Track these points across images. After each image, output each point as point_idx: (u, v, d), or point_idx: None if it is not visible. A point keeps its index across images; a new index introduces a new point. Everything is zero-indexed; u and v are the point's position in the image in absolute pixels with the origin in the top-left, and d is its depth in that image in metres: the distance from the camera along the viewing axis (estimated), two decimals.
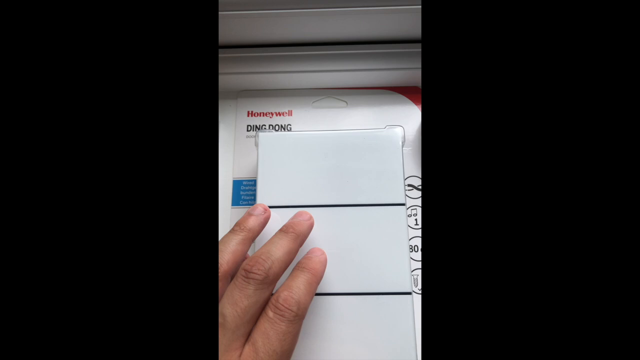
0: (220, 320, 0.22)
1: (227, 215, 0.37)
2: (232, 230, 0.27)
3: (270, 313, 0.23)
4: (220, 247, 0.26)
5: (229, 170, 0.38)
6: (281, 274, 0.25)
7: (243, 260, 0.26)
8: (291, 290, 0.24)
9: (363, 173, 0.31)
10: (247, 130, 0.39)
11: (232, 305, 0.22)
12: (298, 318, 0.23)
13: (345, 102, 0.39)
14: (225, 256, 0.25)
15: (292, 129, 0.38)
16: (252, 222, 0.28)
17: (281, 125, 0.38)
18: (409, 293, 0.29)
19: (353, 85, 0.39)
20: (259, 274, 0.23)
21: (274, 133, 0.33)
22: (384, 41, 0.37)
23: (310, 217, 0.29)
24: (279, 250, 0.25)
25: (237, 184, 0.37)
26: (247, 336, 0.23)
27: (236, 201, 0.37)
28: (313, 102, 0.39)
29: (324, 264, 0.27)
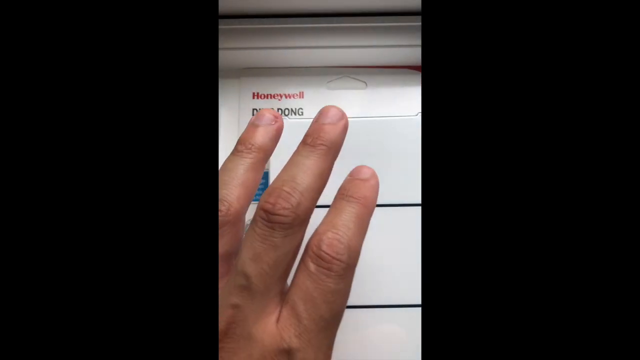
0: (242, 282, 0.17)
1: None
2: (237, 152, 0.20)
3: (311, 266, 0.17)
4: (224, 177, 0.19)
5: None
6: (314, 207, 0.19)
7: (255, 191, 0.20)
8: (337, 230, 0.17)
9: (384, 168, 0.27)
10: (253, 115, 0.34)
11: (256, 260, 0.17)
12: (350, 269, 0.17)
13: (365, 82, 0.34)
14: (234, 191, 0.19)
15: (304, 113, 0.34)
16: (261, 136, 0.21)
17: (292, 110, 0.34)
18: (420, 305, 0.26)
19: (373, 64, 0.34)
20: (285, 215, 0.17)
21: (288, 120, 0.28)
22: (412, 12, 0.32)
23: (343, 115, 0.20)
24: (308, 175, 0.18)
25: None
26: (281, 295, 0.18)
27: None
28: (328, 82, 0.34)
29: (377, 191, 0.20)
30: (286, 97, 0.34)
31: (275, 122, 0.21)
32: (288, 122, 0.28)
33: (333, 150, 0.20)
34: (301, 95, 0.34)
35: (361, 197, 0.19)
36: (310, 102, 0.34)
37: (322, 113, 0.21)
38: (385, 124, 0.28)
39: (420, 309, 0.26)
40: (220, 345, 0.16)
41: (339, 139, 0.20)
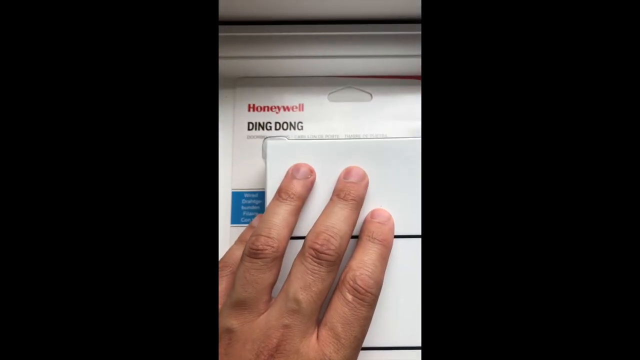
0: (294, 306, 0.21)
1: (226, 235, 0.30)
2: (279, 198, 0.24)
3: (349, 296, 0.21)
4: (272, 219, 0.23)
5: (226, 179, 0.31)
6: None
7: (292, 231, 0.24)
8: (367, 268, 0.22)
9: (385, 193, 0.25)
10: (249, 129, 0.31)
11: (306, 289, 0.21)
12: (376, 300, 0.22)
13: (370, 94, 0.31)
14: (282, 231, 0.22)
15: (304, 128, 0.31)
16: (300, 187, 0.24)
17: (290, 124, 0.31)
18: (419, 348, 0.24)
19: (379, 74, 0.31)
20: (331, 254, 0.22)
21: (286, 142, 0.25)
22: (418, 20, 0.29)
23: (365, 176, 0.25)
24: (344, 224, 0.23)
25: (237, 197, 0.30)
26: (317, 318, 0.21)
27: (236, 218, 0.30)
28: (329, 93, 0.32)
29: (393, 232, 0.24)
30: (284, 109, 0.31)
31: (311, 176, 0.25)
32: (287, 142, 0.26)
33: (360, 204, 0.24)
34: (301, 107, 0.31)
35: (383, 240, 0.23)
36: (310, 115, 0.31)
37: (347, 172, 0.25)
38: (389, 145, 0.25)
39: (419, 351, 0.24)
40: (272, 359, 0.20)
41: (363, 194, 0.24)
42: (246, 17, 0.30)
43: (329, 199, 0.25)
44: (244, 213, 0.30)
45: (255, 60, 0.30)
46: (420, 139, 0.25)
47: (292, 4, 0.28)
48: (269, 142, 0.25)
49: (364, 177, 0.25)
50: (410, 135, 0.31)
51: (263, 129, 0.31)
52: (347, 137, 0.31)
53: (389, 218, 0.24)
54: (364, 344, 0.23)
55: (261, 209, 0.30)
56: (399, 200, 0.25)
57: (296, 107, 0.31)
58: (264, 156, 0.26)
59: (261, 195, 0.30)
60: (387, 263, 0.23)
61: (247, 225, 0.30)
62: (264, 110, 0.31)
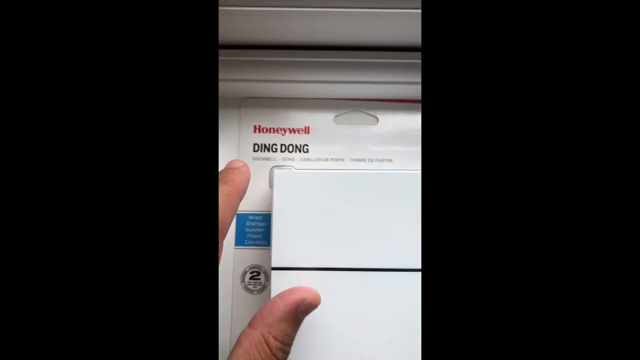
0: None
1: (230, 258, 0.30)
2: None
3: None
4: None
5: None
6: None
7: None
8: None
9: (386, 225, 0.25)
10: (254, 151, 0.31)
11: None
12: None
13: (376, 117, 0.31)
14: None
15: (310, 151, 0.31)
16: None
17: (296, 146, 0.31)
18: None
19: (385, 97, 0.31)
20: None
21: (292, 171, 0.26)
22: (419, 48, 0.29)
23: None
24: None
25: (242, 219, 0.30)
26: None
27: (240, 240, 0.30)
28: (335, 116, 0.32)
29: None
30: (290, 131, 0.31)
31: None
32: (293, 172, 0.26)
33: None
34: (307, 130, 0.31)
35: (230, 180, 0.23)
36: (316, 139, 0.31)
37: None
38: (390, 177, 0.25)
39: None
40: None
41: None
42: (251, 41, 0.30)
43: (331, 228, 0.25)
44: (248, 235, 0.30)
45: (258, 83, 0.30)
46: (420, 172, 0.25)
47: (297, 30, 0.28)
48: (276, 171, 0.26)
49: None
50: (416, 161, 0.31)
51: (269, 150, 0.31)
52: (352, 160, 0.31)
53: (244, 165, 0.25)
54: None
55: (265, 231, 0.30)
56: (398, 232, 0.25)
57: (302, 130, 0.31)
58: (271, 185, 0.27)
59: (266, 217, 0.30)
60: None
61: (251, 247, 0.30)
62: (270, 132, 0.31)
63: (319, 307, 0.23)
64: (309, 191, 0.25)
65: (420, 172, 0.26)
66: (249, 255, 0.30)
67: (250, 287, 0.30)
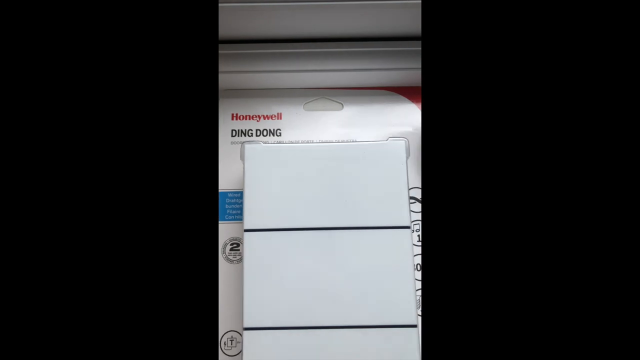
0: None
1: None
2: None
3: None
4: None
5: None
6: None
7: None
8: None
9: (362, 192, 0.28)
10: (232, 136, 0.35)
11: None
12: None
13: (341, 104, 0.35)
14: None
15: (282, 134, 0.35)
16: None
17: (270, 130, 0.35)
18: (414, 326, 0.26)
19: (349, 85, 0.35)
20: None
21: (262, 145, 0.29)
22: (383, 38, 0.33)
23: None
24: None
25: (222, 197, 0.34)
26: None
27: (221, 216, 0.33)
28: (305, 103, 0.35)
29: None
30: (264, 118, 0.35)
31: None
32: (263, 146, 0.29)
33: None
34: (279, 116, 0.35)
35: None
36: (288, 123, 0.35)
37: None
38: (361, 148, 0.29)
39: (414, 329, 0.26)
40: None
41: None
42: (228, 36, 0.33)
43: (308, 203, 0.28)
44: (227, 211, 0.34)
45: (235, 74, 0.34)
46: (399, 141, 0.29)
47: (269, 25, 0.32)
48: (247, 145, 0.29)
49: None
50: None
51: (245, 135, 0.35)
52: (320, 142, 0.34)
53: None
54: (358, 322, 0.26)
55: (242, 207, 0.33)
56: (383, 196, 0.28)
57: (275, 116, 0.35)
58: (242, 157, 0.30)
59: (241, 194, 0.33)
60: None
61: (231, 221, 0.33)
62: (246, 119, 0.35)
63: (295, 268, 0.27)
64: (278, 165, 0.29)
65: (385, 142, 0.29)
66: (229, 229, 0.33)
67: (231, 257, 0.33)
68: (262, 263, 0.27)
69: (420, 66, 0.33)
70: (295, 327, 0.26)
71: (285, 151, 0.29)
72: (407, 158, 0.29)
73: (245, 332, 0.26)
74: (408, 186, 0.28)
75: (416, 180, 0.33)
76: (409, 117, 0.35)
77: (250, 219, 0.28)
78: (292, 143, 0.34)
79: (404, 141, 0.29)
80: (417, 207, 0.33)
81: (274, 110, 0.35)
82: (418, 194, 0.33)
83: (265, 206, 0.28)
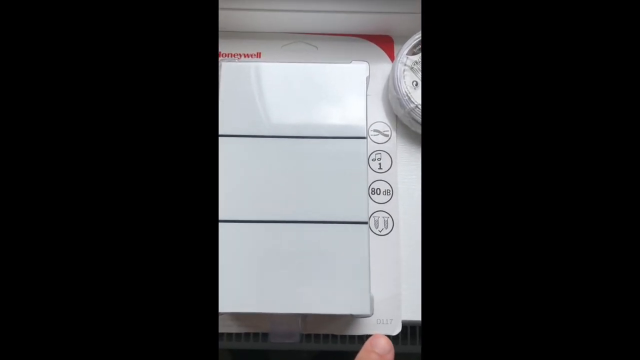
0: None
1: None
2: None
3: None
4: None
5: None
6: None
7: None
8: None
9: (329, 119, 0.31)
10: None
11: None
12: None
13: (316, 47, 0.38)
14: None
15: None
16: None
17: None
18: (365, 222, 0.29)
19: (323, 31, 0.38)
20: None
21: (238, 63, 0.32)
22: None
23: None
24: None
25: None
26: None
27: None
28: (282, 45, 0.38)
29: None
30: (245, 56, 0.38)
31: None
32: (240, 64, 0.32)
33: None
34: (258, 55, 0.38)
35: None
36: (266, 61, 0.38)
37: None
38: (328, 69, 0.32)
39: (365, 225, 0.29)
40: None
41: None
42: None
43: (280, 121, 0.31)
44: None
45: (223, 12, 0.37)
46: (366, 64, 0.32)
47: None
48: (224, 63, 0.32)
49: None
50: None
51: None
52: None
53: (390, 350, 0.25)
54: (316, 218, 0.29)
55: None
56: (342, 119, 0.31)
57: (254, 55, 0.38)
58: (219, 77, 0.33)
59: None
60: None
61: None
62: (228, 56, 0.38)
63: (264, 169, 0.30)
64: (254, 82, 0.32)
65: (356, 65, 0.32)
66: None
67: None
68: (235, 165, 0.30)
69: (390, 11, 0.36)
70: (260, 221, 0.29)
71: (263, 69, 0.32)
72: (367, 79, 0.32)
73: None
74: (367, 111, 0.32)
75: (379, 115, 0.36)
76: (377, 62, 0.38)
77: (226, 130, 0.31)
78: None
79: (365, 64, 0.32)
80: (379, 138, 0.36)
81: (253, 49, 0.38)
82: (380, 127, 0.36)
83: (241, 115, 0.31)
